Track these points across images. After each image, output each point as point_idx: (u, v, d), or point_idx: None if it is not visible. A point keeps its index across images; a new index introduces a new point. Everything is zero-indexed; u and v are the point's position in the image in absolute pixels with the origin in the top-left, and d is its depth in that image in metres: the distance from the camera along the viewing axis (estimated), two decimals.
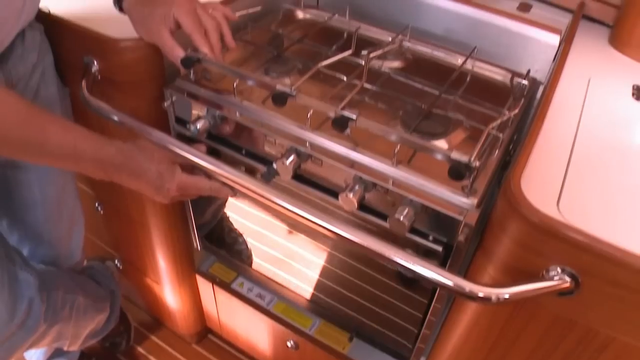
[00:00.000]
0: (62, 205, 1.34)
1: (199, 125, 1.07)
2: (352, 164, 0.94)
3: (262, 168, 1.08)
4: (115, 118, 1.03)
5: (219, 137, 1.12)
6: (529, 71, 1.15)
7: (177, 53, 1.02)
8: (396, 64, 1.19)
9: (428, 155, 0.88)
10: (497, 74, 1.18)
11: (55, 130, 0.87)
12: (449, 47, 1.24)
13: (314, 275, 1.28)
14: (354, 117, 0.91)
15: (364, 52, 1.18)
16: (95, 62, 1.12)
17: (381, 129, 0.91)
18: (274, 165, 1.01)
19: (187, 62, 1.01)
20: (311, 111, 0.97)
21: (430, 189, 0.88)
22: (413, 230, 0.94)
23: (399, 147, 0.90)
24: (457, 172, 0.84)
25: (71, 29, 1.13)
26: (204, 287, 1.66)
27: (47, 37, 1.15)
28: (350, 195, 0.93)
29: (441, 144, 0.96)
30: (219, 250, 1.49)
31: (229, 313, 1.67)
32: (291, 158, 0.99)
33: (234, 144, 1.11)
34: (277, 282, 1.41)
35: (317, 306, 1.38)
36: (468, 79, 1.16)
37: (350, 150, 0.95)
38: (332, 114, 0.94)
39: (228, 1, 1.25)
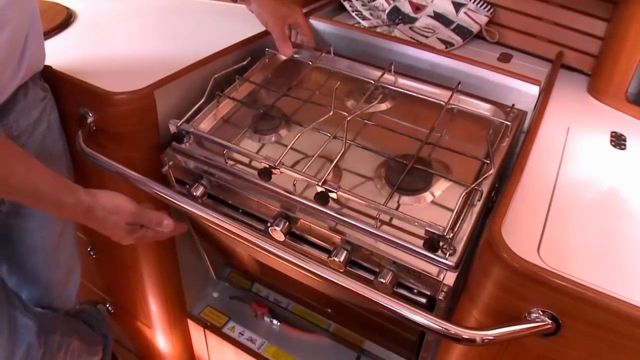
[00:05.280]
0: (60, 252, 1.36)
1: (196, 192, 1.12)
2: (337, 226, 0.99)
3: (258, 225, 1.12)
4: (110, 169, 1.07)
5: (217, 197, 1.16)
6: (513, 105, 1.19)
7: (286, 49, 1.33)
8: (382, 106, 1.24)
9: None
10: (482, 109, 1.22)
11: (20, 167, 0.89)
12: (434, 82, 1.28)
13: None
14: (334, 191, 0.96)
15: (348, 103, 1.23)
16: (91, 114, 1.16)
17: (360, 202, 0.96)
18: (269, 228, 1.06)
19: (179, 136, 1.12)
20: (296, 181, 1.02)
21: (410, 249, 0.92)
22: (398, 284, 0.97)
23: (379, 214, 0.95)
24: (431, 245, 0.90)
25: (67, 81, 1.17)
26: (195, 331, 1.67)
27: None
28: (338, 259, 0.98)
29: (423, 198, 1.00)
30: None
31: (220, 357, 1.68)
32: (281, 225, 1.04)
33: (231, 204, 1.15)
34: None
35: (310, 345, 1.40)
36: (453, 114, 1.21)
37: (335, 213, 0.99)
38: (315, 186, 0.98)
39: (219, 55, 1.31)
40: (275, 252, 0.93)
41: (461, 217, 0.95)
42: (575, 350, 0.79)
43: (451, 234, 0.89)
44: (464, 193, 0.94)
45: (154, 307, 1.56)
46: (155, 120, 1.17)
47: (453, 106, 1.21)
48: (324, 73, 1.35)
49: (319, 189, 0.97)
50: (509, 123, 1.14)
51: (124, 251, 1.45)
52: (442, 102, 1.21)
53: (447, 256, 0.90)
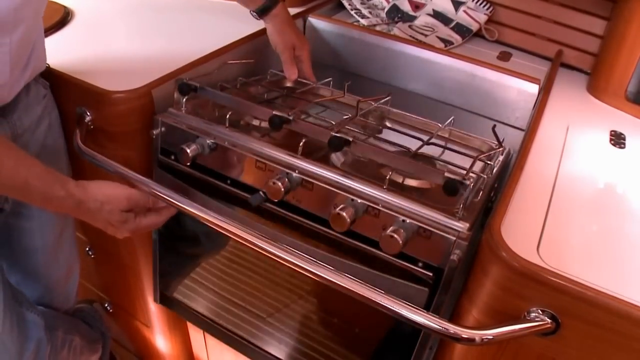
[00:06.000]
0: (59, 251, 1.36)
1: (189, 149, 1.08)
2: (344, 189, 0.96)
3: (246, 196, 1.08)
4: (107, 167, 1.06)
5: (204, 167, 1.14)
6: (502, 140, 1.14)
7: (292, 74, 1.34)
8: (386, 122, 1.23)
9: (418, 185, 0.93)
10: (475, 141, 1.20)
11: (9, 162, 0.88)
12: (428, 118, 1.23)
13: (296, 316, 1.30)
14: (350, 139, 0.96)
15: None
16: (88, 113, 1.15)
17: (376, 151, 0.96)
18: (262, 192, 1.03)
19: (184, 88, 1.11)
20: (303, 140, 1.01)
21: (422, 213, 0.91)
22: (402, 256, 0.94)
23: (391, 173, 0.94)
24: (452, 188, 0.87)
25: (65, 80, 1.17)
26: (194, 331, 1.67)
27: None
28: (342, 212, 0.93)
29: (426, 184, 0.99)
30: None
31: (219, 357, 1.68)
32: (282, 179, 1.00)
33: (219, 173, 1.13)
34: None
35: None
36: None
37: (341, 177, 0.97)
38: (326, 140, 0.98)
39: (217, 54, 1.30)
40: (271, 250, 0.89)
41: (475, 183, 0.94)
42: (575, 349, 0.79)
43: (470, 181, 0.87)
44: (475, 158, 0.94)
45: (153, 306, 1.56)
46: (153, 119, 1.17)
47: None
48: (327, 91, 1.35)
49: (333, 135, 0.97)
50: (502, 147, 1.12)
51: (122, 250, 1.45)
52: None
53: (459, 219, 0.89)
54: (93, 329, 1.60)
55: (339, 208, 0.94)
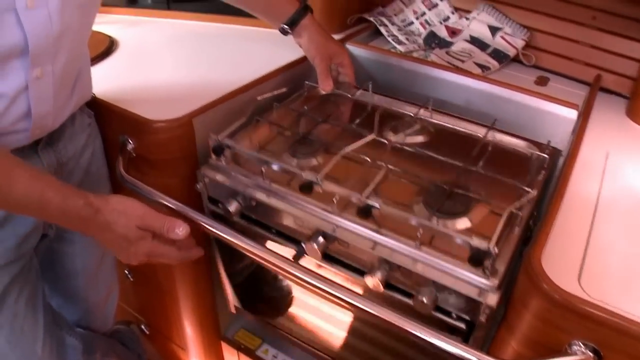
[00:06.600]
0: (100, 275, 1.39)
1: (231, 208, 1.11)
2: (376, 245, 0.97)
3: (291, 246, 1.11)
4: (149, 196, 1.08)
5: (251, 217, 1.16)
6: (549, 142, 1.18)
7: (327, 86, 1.35)
8: (419, 138, 1.23)
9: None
10: (517, 145, 1.21)
11: (22, 176, 0.87)
12: (470, 119, 1.28)
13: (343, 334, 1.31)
14: (377, 205, 0.96)
15: (387, 134, 1.22)
16: (131, 141, 1.18)
17: (403, 216, 0.96)
18: (303, 246, 1.04)
19: (218, 149, 1.11)
20: (337, 196, 1.01)
21: (451, 270, 0.90)
22: (437, 308, 0.95)
23: (421, 230, 0.93)
24: (477, 260, 0.87)
25: (108, 109, 1.20)
26: (229, 354, 1.67)
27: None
28: (376, 277, 0.96)
29: (463, 222, 0.98)
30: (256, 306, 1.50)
31: None
32: (319, 241, 1.02)
33: (265, 223, 1.15)
34: (304, 343, 1.42)
35: None
36: (489, 149, 1.19)
37: (375, 233, 0.97)
38: (356, 201, 0.99)
39: (257, 83, 1.32)
40: (311, 281, 0.93)
41: (502, 239, 0.93)
42: None
43: (496, 250, 0.86)
44: (506, 214, 0.93)
45: (189, 329, 1.57)
46: (194, 148, 1.19)
47: (489, 140, 1.21)
48: (363, 106, 1.35)
49: (362, 202, 0.97)
50: (545, 156, 1.13)
51: (160, 274, 1.47)
52: (478, 136, 1.22)
53: (488, 276, 0.88)
54: (130, 351, 1.61)
55: (372, 272, 0.97)
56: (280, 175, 1.10)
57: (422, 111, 1.29)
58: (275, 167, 1.09)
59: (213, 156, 1.13)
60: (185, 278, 1.42)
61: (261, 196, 1.09)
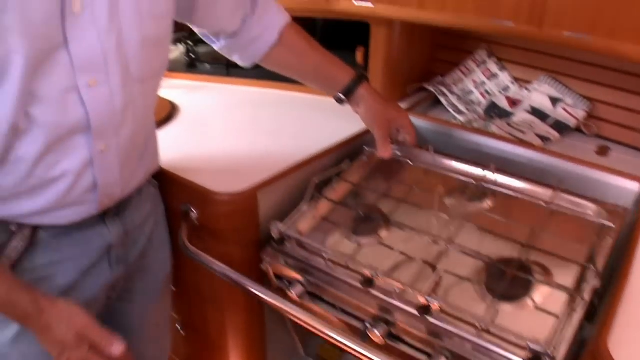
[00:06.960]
0: (154, 331, 1.40)
1: (294, 292, 1.14)
2: (437, 334, 0.98)
3: (355, 323, 1.12)
4: (211, 266, 1.10)
5: (315, 294, 1.17)
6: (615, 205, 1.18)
7: (386, 152, 1.33)
8: (482, 205, 1.25)
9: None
10: (583, 207, 1.22)
11: None
12: (535, 180, 1.29)
13: None
14: (436, 304, 0.97)
15: (449, 200, 1.24)
16: (194, 210, 1.21)
17: (462, 313, 0.97)
18: (367, 325, 1.06)
19: (281, 241, 1.15)
20: (397, 289, 1.03)
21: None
22: None
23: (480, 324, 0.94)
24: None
25: (171, 178, 1.23)
26: None
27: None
28: None
29: (524, 304, 0.99)
30: None
31: None
32: (380, 328, 1.03)
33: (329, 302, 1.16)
34: None
35: None
36: (553, 215, 1.19)
37: (436, 320, 0.98)
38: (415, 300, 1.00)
39: (318, 157, 1.35)
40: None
41: (562, 326, 0.92)
42: None
43: (552, 349, 0.86)
44: (566, 301, 0.93)
45: None
46: (257, 219, 1.21)
47: (553, 206, 1.21)
48: (423, 171, 1.37)
49: (422, 301, 0.98)
50: (611, 225, 1.12)
51: (212, 328, 1.47)
52: (542, 203, 1.22)
53: None
54: None
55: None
56: (342, 257, 1.12)
57: (486, 174, 1.31)
58: (335, 257, 1.12)
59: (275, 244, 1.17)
60: (237, 332, 1.42)
61: (323, 279, 1.12)
